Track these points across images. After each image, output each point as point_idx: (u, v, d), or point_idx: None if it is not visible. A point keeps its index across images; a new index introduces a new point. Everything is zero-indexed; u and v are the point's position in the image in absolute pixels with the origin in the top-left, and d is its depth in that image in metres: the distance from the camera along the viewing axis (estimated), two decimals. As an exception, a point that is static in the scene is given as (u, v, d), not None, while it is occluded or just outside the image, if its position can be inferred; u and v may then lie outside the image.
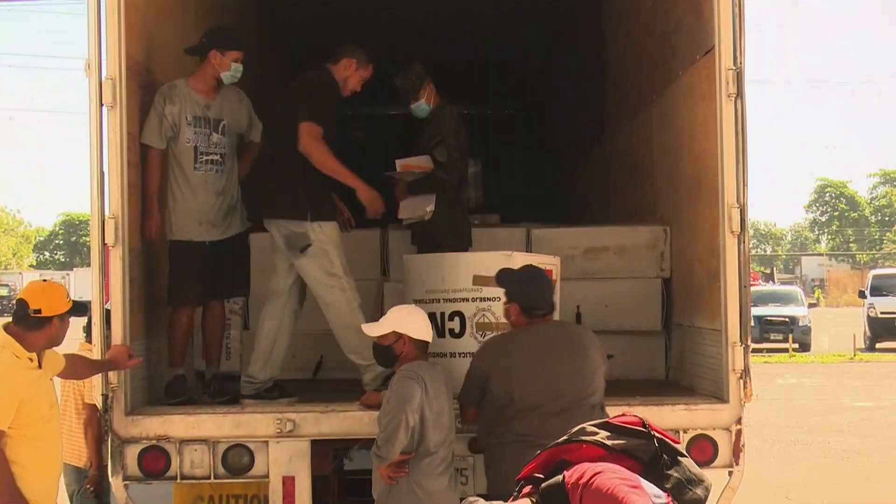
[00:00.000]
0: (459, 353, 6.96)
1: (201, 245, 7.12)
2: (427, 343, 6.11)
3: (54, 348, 5.85)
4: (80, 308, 5.88)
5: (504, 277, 6.20)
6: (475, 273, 6.95)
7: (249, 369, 7.09)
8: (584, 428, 3.70)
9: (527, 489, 3.50)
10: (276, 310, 7.14)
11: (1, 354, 5.52)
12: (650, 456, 3.61)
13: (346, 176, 6.94)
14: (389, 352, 6.10)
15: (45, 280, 5.92)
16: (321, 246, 6.91)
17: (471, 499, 3.32)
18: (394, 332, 6.08)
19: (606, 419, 3.77)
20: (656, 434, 3.68)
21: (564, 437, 3.70)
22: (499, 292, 6.84)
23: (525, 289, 6.05)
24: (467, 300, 6.99)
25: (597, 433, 3.66)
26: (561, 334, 6.04)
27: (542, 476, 3.55)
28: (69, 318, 5.80)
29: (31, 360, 5.59)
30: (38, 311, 5.60)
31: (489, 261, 6.90)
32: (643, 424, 3.70)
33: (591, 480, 3.39)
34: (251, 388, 7.03)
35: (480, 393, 5.93)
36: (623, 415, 3.79)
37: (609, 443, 3.61)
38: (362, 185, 6.98)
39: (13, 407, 5.42)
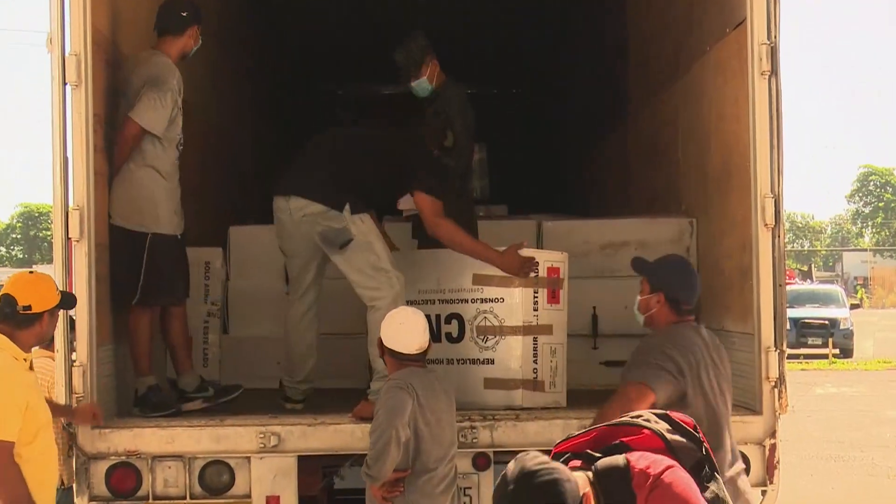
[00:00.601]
0: (458, 360, 6.98)
1: (177, 238, 7.14)
2: (409, 354, 6.06)
3: None
4: (69, 300, 5.88)
5: (645, 264, 5.96)
6: (475, 272, 6.96)
7: (298, 373, 7.21)
8: (642, 414, 3.75)
9: (576, 462, 3.52)
10: (309, 304, 7.23)
11: (1, 358, 5.49)
12: (694, 463, 3.67)
13: (480, 251, 6.96)
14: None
15: (31, 272, 5.90)
16: (364, 239, 6.86)
17: (532, 452, 3.34)
18: (379, 336, 6.16)
19: (666, 411, 3.81)
20: (705, 443, 3.74)
21: (624, 419, 3.74)
22: (501, 293, 6.85)
23: (677, 278, 5.80)
24: (466, 301, 7.01)
25: (658, 423, 3.70)
26: (714, 340, 5.74)
27: (595, 454, 3.57)
28: (58, 311, 5.81)
29: (25, 360, 5.59)
30: (28, 308, 5.57)
31: None
32: (695, 428, 3.76)
33: (664, 474, 3.46)
34: (300, 393, 7.21)
35: (668, 386, 5.38)
36: (669, 413, 3.84)
37: (668, 436, 3.65)
38: (498, 256, 6.92)
39: (20, 415, 5.40)
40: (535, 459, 3.27)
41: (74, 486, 6.51)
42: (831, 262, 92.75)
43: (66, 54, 6.34)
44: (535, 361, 6.93)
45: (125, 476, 6.42)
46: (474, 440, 6.48)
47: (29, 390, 5.49)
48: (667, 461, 3.54)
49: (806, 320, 30.66)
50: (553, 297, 7.04)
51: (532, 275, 6.90)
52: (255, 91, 12.43)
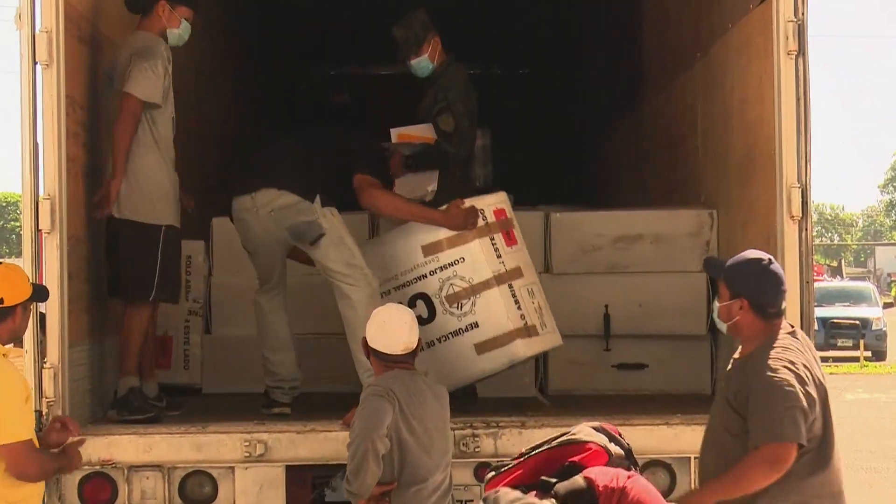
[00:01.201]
0: (440, 339, 7.07)
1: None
2: (394, 355, 5.96)
3: None
4: (42, 292, 5.87)
5: (719, 266, 5.66)
6: (422, 244, 7.04)
7: (280, 369, 7.31)
8: (581, 429, 3.85)
9: (533, 494, 3.59)
10: (280, 297, 7.44)
11: None
12: (625, 467, 3.81)
13: (422, 213, 7.16)
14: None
15: (0, 262, 5.91)
16: (336, 233, 7.04)
17: (502, 489, 3.40)
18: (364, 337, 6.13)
19: (600, 423, 3.92)
20: (629, 447, 3.90)
21: (564, 438, 3.82)
22: (459, 252, 6.93)
23: (758, 279, 5.48)
24: (425, 276, 7.09)
25: (598, 435, 3.81)
26: (808, 341, 5.54)
27: (550, 480, 3.65)
28: (31, 305, 5.80)
29: (4, 356, 5.59)
30: (0, 301, 5.59)
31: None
32: (620, 435, 3.91)
33: (626, 485, 3.63)
34: (286, 394, 7.29)
35: (804, 427, 5.15)
36: (601, 424, 3.95)
37: (611, 449, 3.77)
38: (441, 215, 7.15)
39: (24, 410, 5.48)
40: (508, 496, 3.33)
41: (45, 497, 6.51)
42: (863, 258, 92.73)
43: (37, 31, 6.35)
44: (519, 307, 6.97)
45: (99, 487, 6.42)
46: (476, 449, 6.47)
47: (22, 385, 5.54)
48: (623, 472, 3.68)
49: (835, 320, 30.62)
50: (510, 239, 7.17)
51: (481, 222, 7.00)
52: (242, 74, 12.44)
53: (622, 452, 3.81)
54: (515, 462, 3.79)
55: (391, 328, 5.99)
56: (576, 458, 3.72)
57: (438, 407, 5.98)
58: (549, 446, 3.81)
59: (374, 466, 5.65)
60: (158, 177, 7.06)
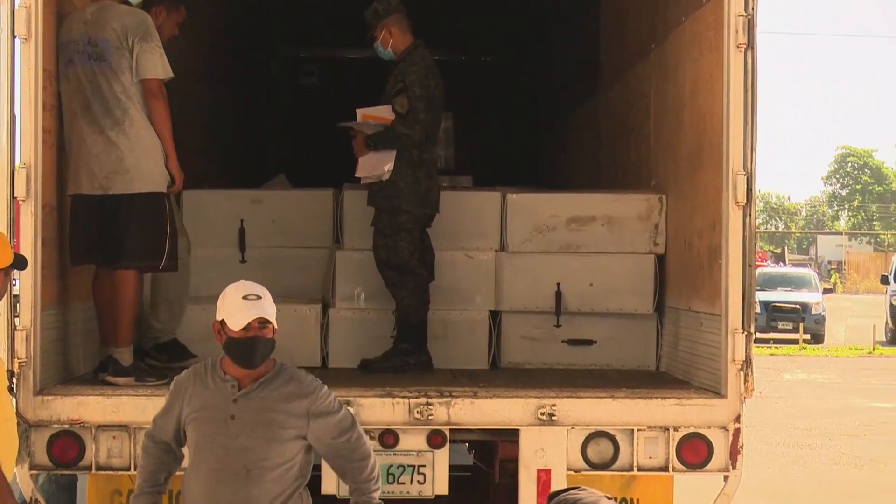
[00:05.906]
0: None
1: None
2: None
3: None
4: (21, 261, 5.74)
5: None
6: None
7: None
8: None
9: None
10: None
11: None
12: None
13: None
14: None
15: None
16: None
17: None
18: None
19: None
20: None
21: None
22: None
23: None
24: None
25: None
26: None
27: None
28: (11, 272, 5.69)
29: None
30: None
31: None
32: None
33: None
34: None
35: None
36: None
37: None
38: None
39: None
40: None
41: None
42: (805, 245, 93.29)
43: (16, 6, 6.32)
44: None
45: (67, 445, 6.41)
46: (430, 417, 6.49)
47: None
48: None
49: (777, 304, 30.87)
50: None
51: None
52: (212, 49, 12.35)
53: None
54: None
55: (241, 297, 5.19)
56: None
57: None
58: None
59: None
60: (157, 146, 6.99)
